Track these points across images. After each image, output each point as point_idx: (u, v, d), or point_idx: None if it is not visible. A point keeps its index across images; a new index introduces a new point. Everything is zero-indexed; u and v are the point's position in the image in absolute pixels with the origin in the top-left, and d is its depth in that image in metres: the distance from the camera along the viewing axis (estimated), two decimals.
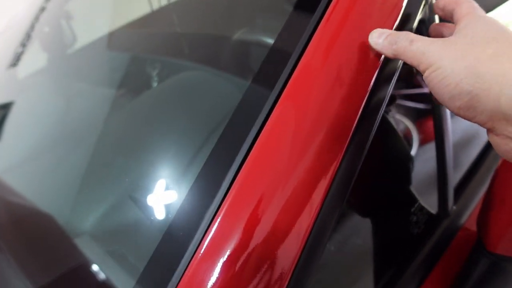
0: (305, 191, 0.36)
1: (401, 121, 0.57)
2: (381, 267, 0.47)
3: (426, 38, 0.39)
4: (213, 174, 0.38)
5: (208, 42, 0.65)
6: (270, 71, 0.42)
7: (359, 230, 0.45)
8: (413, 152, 0.63)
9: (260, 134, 0.38)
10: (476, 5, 0.41)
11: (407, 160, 0.50)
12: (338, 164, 0.37)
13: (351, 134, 0.39)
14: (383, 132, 0.48)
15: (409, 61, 0.39)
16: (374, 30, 0.43)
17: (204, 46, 0.65)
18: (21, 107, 0.94)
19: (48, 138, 0.78)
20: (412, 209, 0.45)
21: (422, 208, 0.48)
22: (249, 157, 0.37)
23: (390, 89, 0.44)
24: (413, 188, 0.53)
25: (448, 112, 0.55)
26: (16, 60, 1.10)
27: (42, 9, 1.18)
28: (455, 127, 0.57)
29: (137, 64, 0.78)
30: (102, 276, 0.45)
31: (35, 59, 1.09)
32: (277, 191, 0.35)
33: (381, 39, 0.42)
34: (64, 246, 0.53)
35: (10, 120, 0.91)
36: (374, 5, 0.44)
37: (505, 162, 0.50)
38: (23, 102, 0.95)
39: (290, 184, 0.35)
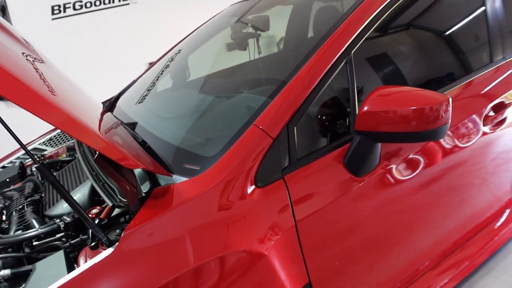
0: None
1: None
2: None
3: None
4: None
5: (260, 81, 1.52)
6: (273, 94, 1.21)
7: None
8: None
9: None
10: None
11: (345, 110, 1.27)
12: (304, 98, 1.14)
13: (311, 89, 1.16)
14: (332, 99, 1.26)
15: None
16: None
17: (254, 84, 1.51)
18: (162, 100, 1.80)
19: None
20: (338, 122, 1.22)
21: (342, 123, 1.23)
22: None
23: (329, 80, 1.19)
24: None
25: None
26: (141, 101, 1.93)
27: (171, 59, 2.11)
28: None
29: (210, 89, 1.67)
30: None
31: (167, 83, 1.98)
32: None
33: None
34: None
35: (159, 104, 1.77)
36: None
37: None
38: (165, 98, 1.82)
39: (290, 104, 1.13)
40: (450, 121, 1.07)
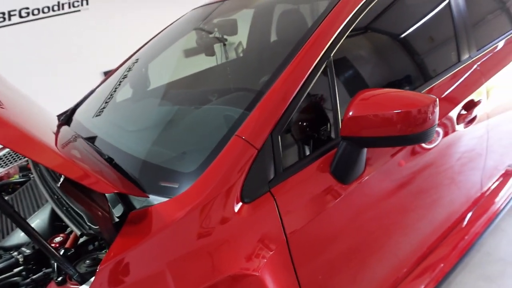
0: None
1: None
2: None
3: None
4: None
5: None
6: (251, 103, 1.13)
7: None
8: None
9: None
10: None
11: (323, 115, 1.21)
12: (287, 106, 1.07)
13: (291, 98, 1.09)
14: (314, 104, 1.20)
15: None
16: None
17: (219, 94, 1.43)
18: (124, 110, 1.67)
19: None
20: (321, 128, 1.17)
21: (327, 128, 1.18)
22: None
23: (310, 86, 1.13)
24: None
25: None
26: (100, 113, 1.78)
27: (130, 67, 1.98)
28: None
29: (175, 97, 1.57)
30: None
31: (127, 93, 1.85)
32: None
33: None
34: None
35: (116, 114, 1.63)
36: None
37: None
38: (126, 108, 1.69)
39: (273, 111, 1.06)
40: (437, 122, 1.05)
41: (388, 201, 1.31)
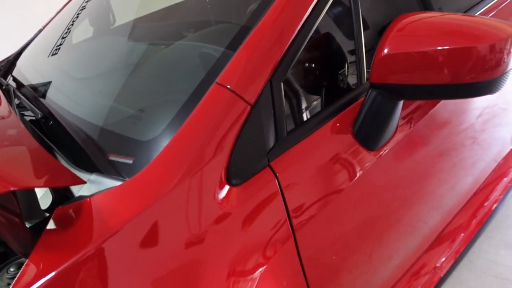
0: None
1: None
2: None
3: None
4: None
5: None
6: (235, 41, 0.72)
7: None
8: None
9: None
10: None
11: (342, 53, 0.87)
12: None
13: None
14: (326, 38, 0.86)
15: None
16: None
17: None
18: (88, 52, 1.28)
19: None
20: (340, 72, 0.83)
21: (346, 73, 0.85)
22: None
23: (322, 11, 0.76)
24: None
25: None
26: (56, 51, 1.39)
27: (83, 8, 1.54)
28: None
29: (143, 35, 1.22)
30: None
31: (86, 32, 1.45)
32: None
33: None
34: None
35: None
36: None
37: None
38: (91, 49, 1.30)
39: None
40: None
41: (421, 169, 1.01)
